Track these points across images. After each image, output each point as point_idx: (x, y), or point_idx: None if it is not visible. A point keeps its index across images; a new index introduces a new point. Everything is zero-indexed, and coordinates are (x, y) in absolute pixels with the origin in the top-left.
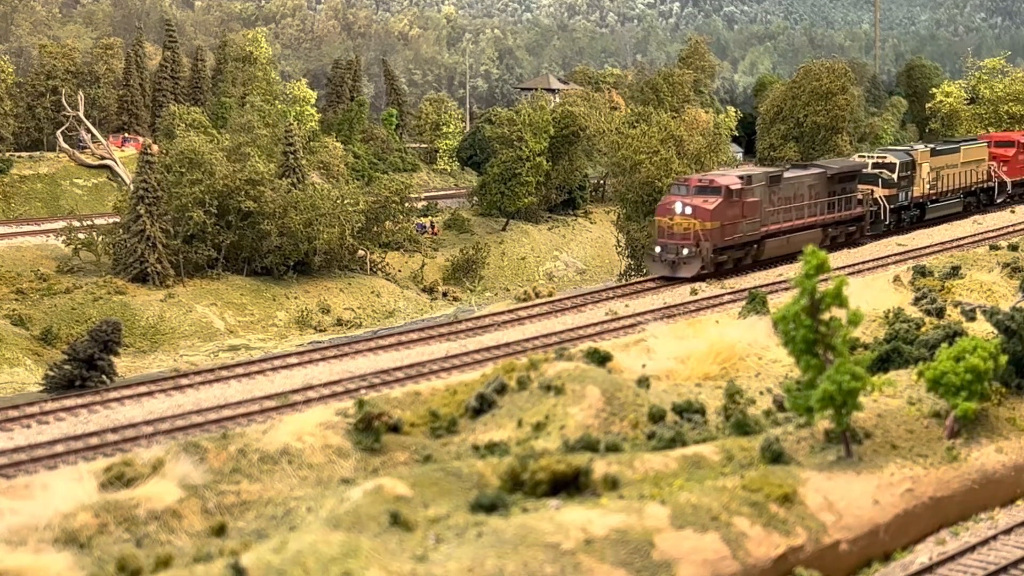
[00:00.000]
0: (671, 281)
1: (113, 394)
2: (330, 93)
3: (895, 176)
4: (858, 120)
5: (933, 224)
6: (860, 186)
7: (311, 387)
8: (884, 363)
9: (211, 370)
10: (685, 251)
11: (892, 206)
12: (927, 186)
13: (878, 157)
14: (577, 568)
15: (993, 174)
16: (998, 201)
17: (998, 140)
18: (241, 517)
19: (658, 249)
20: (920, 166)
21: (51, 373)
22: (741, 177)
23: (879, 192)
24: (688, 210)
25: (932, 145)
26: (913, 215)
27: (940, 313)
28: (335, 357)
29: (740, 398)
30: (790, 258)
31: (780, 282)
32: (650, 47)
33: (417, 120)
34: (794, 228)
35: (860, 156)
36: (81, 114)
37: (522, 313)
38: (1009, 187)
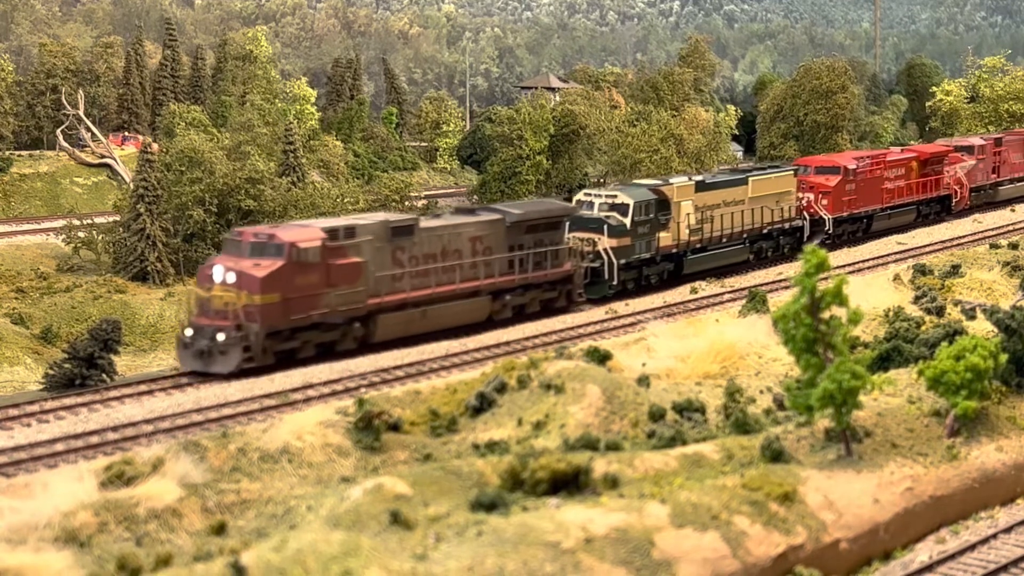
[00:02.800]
0: (206, 377)
1: (113, 393)
2: (330, 92)
3: (627, 220)
4: (858, 119)
5: (693, 278)
6: (578, 234)
7: (311, 386)
8: (884, 362)
9: None
10: (221, 336)
11: (624, 261)
12: (687, 231)
13: (607, 196)
14: (577, 567)
15: (807, 209)
16: (816, 242)
17: (819, 166)
18: (241, 516)
19: (189, 332)
20: (676, 205)
21: (51, 372)
22: (329, 230)
23: (605, 242)
24: (231, 277)
25: (699, 177)
26: (662, 271)
27: (940, 312)
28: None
29: (740, 397)
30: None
31: (780, 281)
32: (650, 46)
33: (417, 119)
34: (438, 297)
35: (587, 194)
36: (81, 113)
37: None
38: (830, 225)
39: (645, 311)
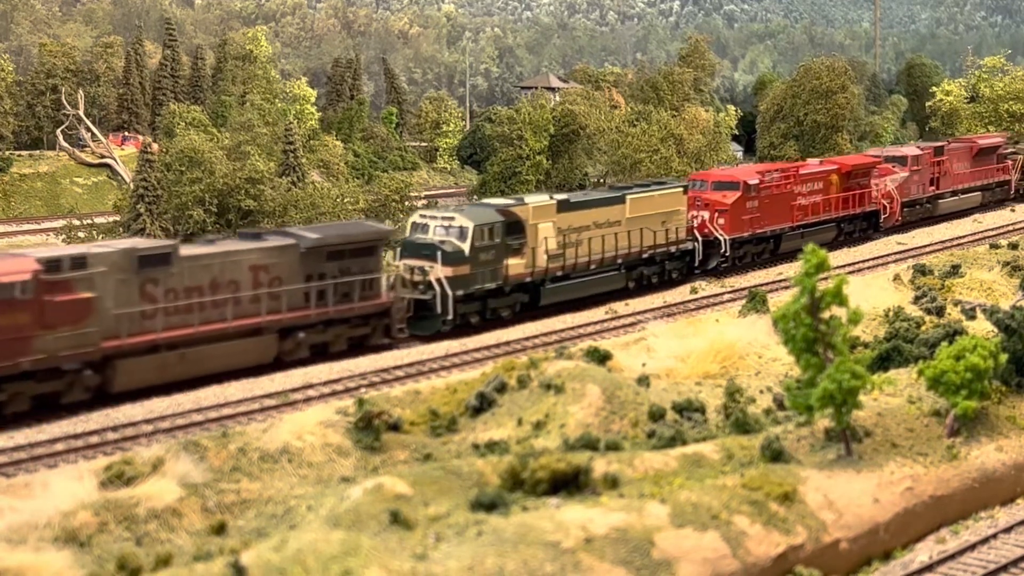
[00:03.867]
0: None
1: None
2: (330, 92)
3: (466, 246)
4: (858, 119)
5: (554, 311)
6: (409, 262)
7: (311, 385)
8: (884, 362)
9: None
10: None
11: (462, 292)
12: (545, 257)
13: (443, 218)
14: (577, 567)
15: (700, 229)
16: (710, 267)
17: (716, 181)
18: (241, 515)
19: None
20: (532, 228)
21: None
22: (47, 261)
23: (439, 271)
24: None
25: (562, 196)
26: (514, 303)
27: (940, 312)
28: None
29: (740, 397)
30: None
31: (780, 281)
32: (650, 45)
33: (417, 119)
34: (204, 337)
35: (422, 216)
36: (81, 112)
37: None
38: (726, 247)
39: (645, 311)
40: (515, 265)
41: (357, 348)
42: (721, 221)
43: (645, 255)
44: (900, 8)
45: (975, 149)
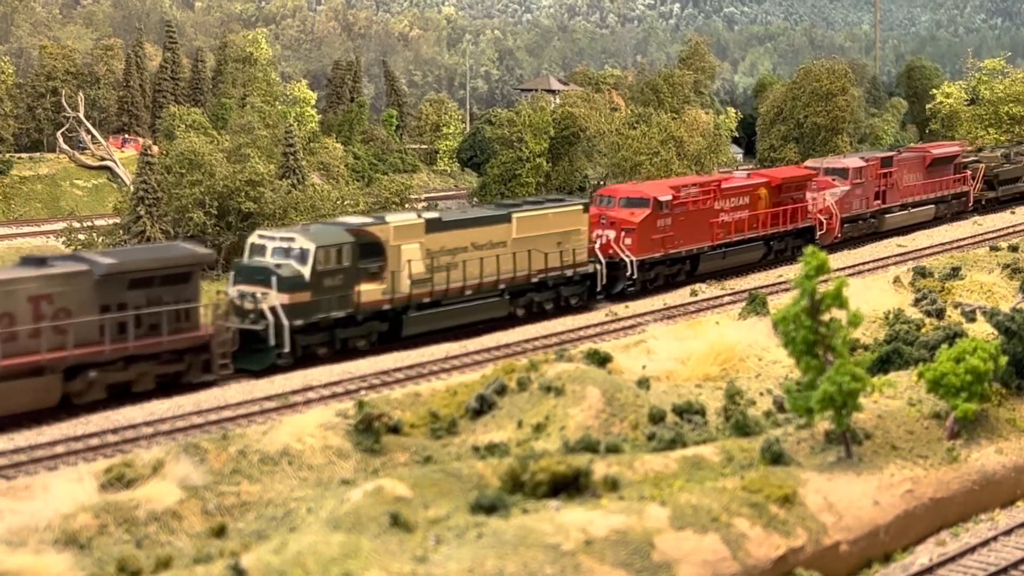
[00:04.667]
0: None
1: None
2: (330, 94)
3: (306, 270)
4: (858, 121)
5: (421, 341)
6: (242, 287)
7: (311, 388)
8: (884, 364)
9: None
10: None
11: (302, 321)
12: (409, 282)
13: (282, 239)
14: (577, 569)
15: (604, 250)
16: (616, 291)
17: (625, 197)
18: (241, 518)
19: None
20: (394, 249)
21: None
22: None
23: (273, 298)
24: None
25: (433, 214)
26: (369, 332)
27: (940, 314)
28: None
29: (740, 399)
30: None
31: (780, 283)
32: (650, 48)
33: (417, 121)
34: None
35: (260, 236)
36: (81, 115)
37: None
38: (633, 269)
39: (645, 313)
40: (370, 291)
41: (171, 387)
42: (628, 241)
43: (535, 279)
44: (900, 10)
45: (929, 159)
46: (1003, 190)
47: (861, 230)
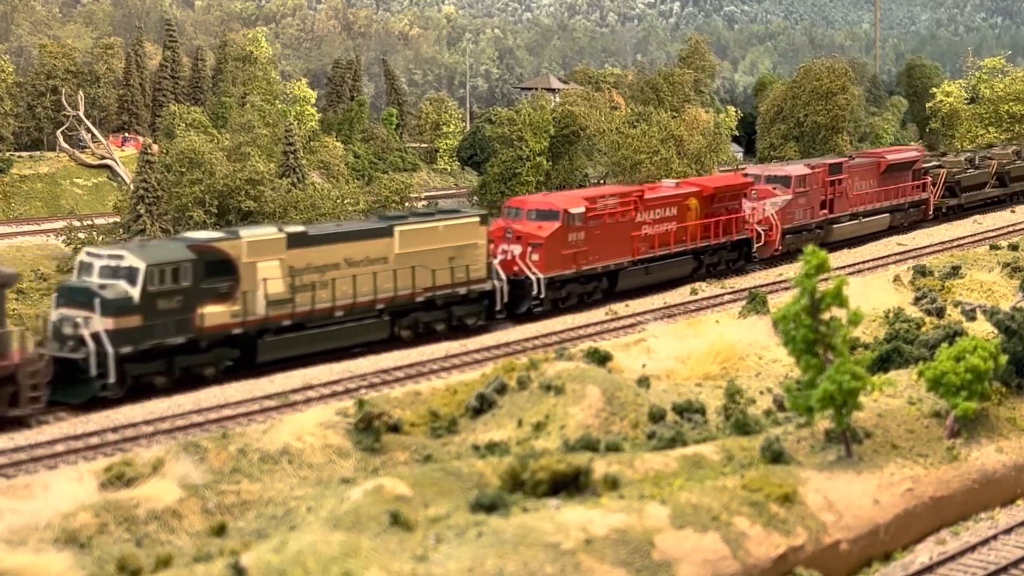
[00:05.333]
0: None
1: None
2: (330, 93)
3: (135, 291)
4: (858, 120)
5: (281, 367)
6: (63, 311)
7: (311, 387)
8: (884, 363)
9: None
10: None
11: (131, 348)
12: (265, 303)
13: (109, 256)
14: (577, 568)
15: (509, 266)
16: (521, 310)
17: (533, 209)
18: (241, 517)
19: None
20: (248, 267)
21: None
22: None
23: (96, 323)
24: None
25: (296, 228)
26: (217, 359)
27: (940, 313)
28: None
29: (740, 398)
30: None
31: (780, 282)
32: (650, 47)
33: (417, 120)
34: None
35: (89, 254)
36: (81, 114)
37: None
38: (540, 288)
39: (645, 312)
40: (217, 314)
41: None
42: (535, 257)
43: (421, 298)
44: (900, 9)
45: (883, 165)
46: (967, 197)
47: (806, 242)
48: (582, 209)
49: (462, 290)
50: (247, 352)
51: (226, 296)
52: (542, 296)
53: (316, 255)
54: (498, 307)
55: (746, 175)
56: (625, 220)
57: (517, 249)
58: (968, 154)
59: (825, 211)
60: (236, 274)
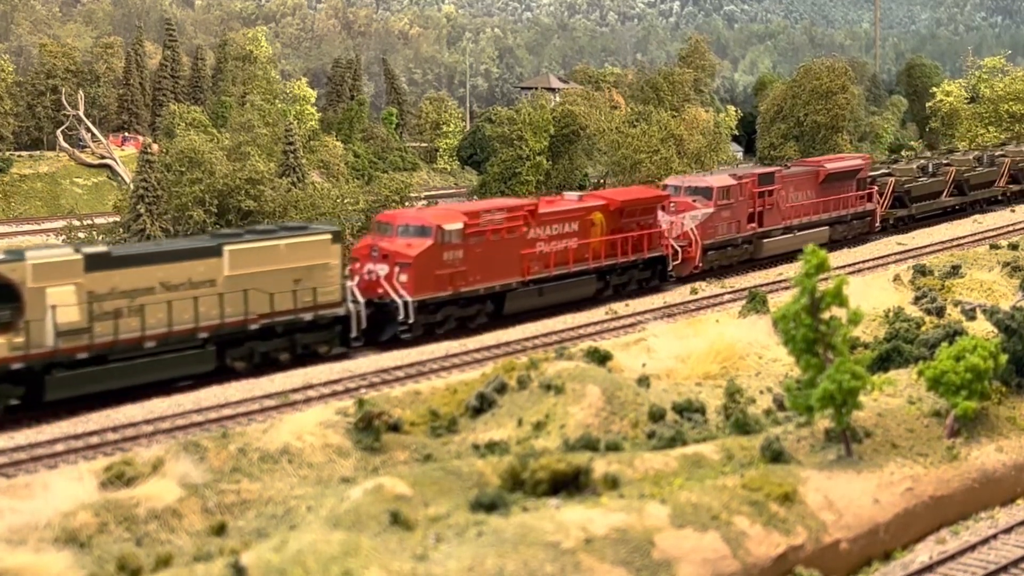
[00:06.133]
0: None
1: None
2: (330, 92)
3: None
4: (858, 119)
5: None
6: None
7: (311, 386)
8: (884, 362)
9: None
10: None
11: None
12: (55, 334)
13: None
14: (577, 567)
15: (368, 289)
16: (385, 337)
17: (404, 225)
18: (241, 516)
19: None
20: (34, 293)
21: None
22: None
23: None
24: None
25: (98, 248)
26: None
27: (940, 312)
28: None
29: (740, 397)
30: None
31: (780, 281)
32: (650, 46)
33: (417, 119)
34: None
35: None
36: (81, 113)
37: None
38: (409, 312)
39: (645, 311)
40: None
41: None
42: (404, 278)
43: (257, 326)
44: (900, 9)
45: (822, 174)
46: (918, 207)
47: (731, 258)
48: (459, 225)
49: (308, 316)
50: (33, 389)
51: (6, 326)
52: (410, 321)
53: (123, 278)
54: (353, 333)
55: (665, 187)
56: (514, 237)
57: (384, 269)
58: (921, 162)
59: (754, 225)
60: (19, 301)
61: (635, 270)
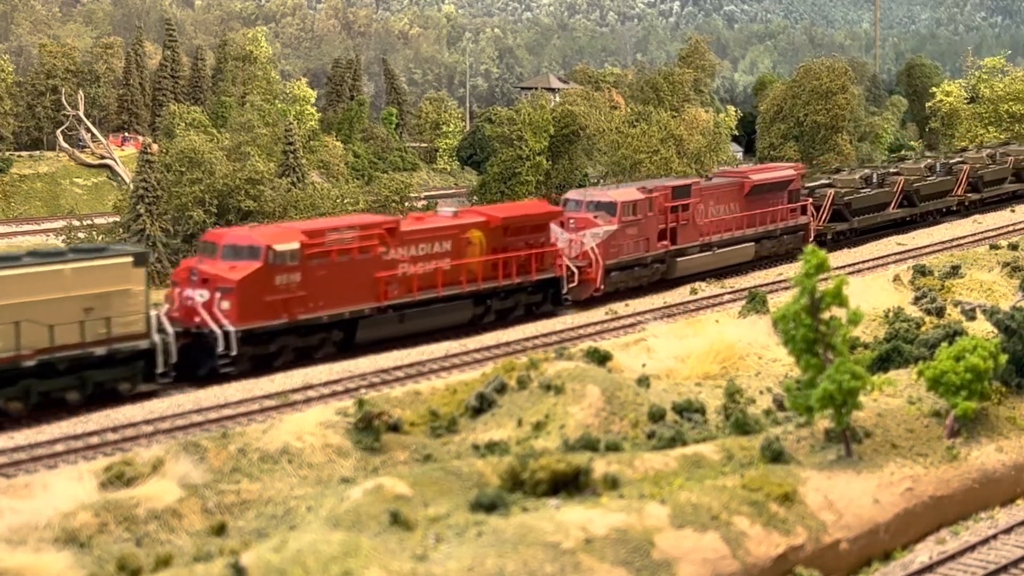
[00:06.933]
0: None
1: None
2: (330, 92)
3: None
4: (858, 119)
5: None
6: None
7: (311, 386)
8: (884, 362)
9: None
10: None
11: None
12: None
13: None
14: (577, 567)
15: (184, 317)
16: (202, 371)
17: (230, 245)
18: (241, 516)
19: None
20: None
21: None
22: None
23: None
24: None
25: None
26: None
27: (940, 312)
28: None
29: (740, 397)
30: None
31: (780, 281)
32: (650, 46)
33: (417, 119)
34: None
35: None
36: (81, 113)
37: None
38: (232, 342)
39: (645, 312)
40: None
41: None
42: (225, 305)
43: (32, 363)
44: (900, 9)
45: (747, 186)
46: (861, 220)
47: (639, 279)
48: (295, 246)
49: (101, 350)
50: None
51: None
52: (233, 353)
53: None
54: (160, 368)
55: (566, 201)
56: (367, 257)
57: (203, 295)
58: (866, 171)
59: (666, 242)
60: None
61: (522, 293)
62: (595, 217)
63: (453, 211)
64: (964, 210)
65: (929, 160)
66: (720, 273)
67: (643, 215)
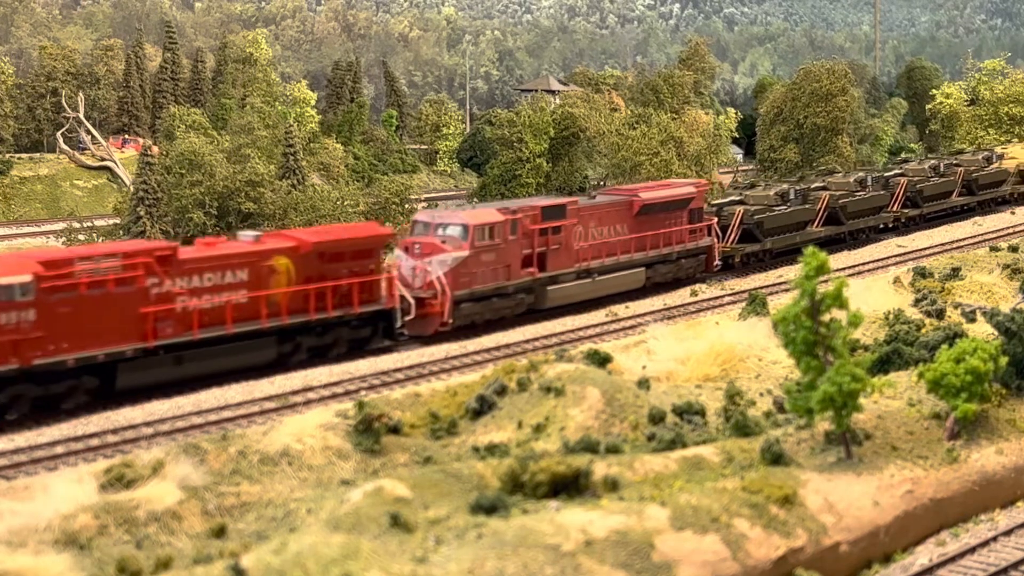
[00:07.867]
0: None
1: None
2: (330, 94)
3: None
4: (858, 122)
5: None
6: None
7: (311, 388)
8: (884, 364)
9: None
10: None
11: None
12: None
13: None
14: (577, 569)
15: None
16: None
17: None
18: (241, 519)
19: None
20: None
21: None
22: None
23: None
24: None
25: None
26: None
27: (940, 314)
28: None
29: (740, 399)
30: None
31: (780, 283)
32: (650, 48)
33: (417, 121)
34: None
35: None
36: (81, 115)
37: None
38: None
39: (645, 313)
40: None
41: None
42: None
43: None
44: (900, 11)
45: (636, 205)
46: (776, 241)
47: (499, 311)
48: (27, 279)
49: None
50: None
51: None
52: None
53: None
54: None
55: (413, 223)
56: (130, 290)
57: None
58: (783, 187)
59: (533, 269)
60: None
61: (344, 328)
62: (443, 243)
63: (255, 235)
64: (902, 227)
65: (860, 174)
66: (605, 301)
67: (502, 239)
